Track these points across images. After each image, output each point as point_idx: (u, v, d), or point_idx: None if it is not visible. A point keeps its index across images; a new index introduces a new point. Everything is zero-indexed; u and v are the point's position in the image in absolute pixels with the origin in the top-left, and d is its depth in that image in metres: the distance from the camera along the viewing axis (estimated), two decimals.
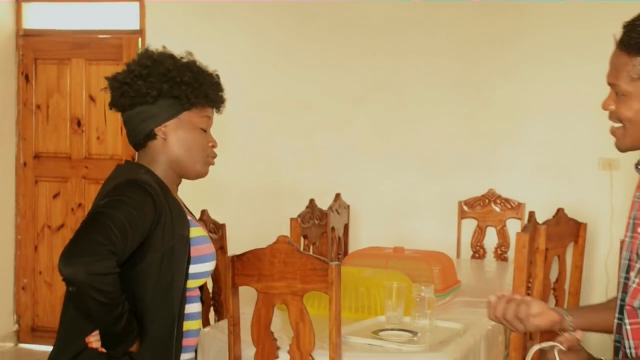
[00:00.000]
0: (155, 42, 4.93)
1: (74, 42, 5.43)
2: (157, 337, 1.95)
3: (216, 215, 3.43)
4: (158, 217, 1.93)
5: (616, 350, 1.81)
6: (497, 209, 4.74)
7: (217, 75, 2.20)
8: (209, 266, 2.12)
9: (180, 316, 1.99)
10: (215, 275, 3.23)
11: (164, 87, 2.05)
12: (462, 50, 4.84)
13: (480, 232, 4.74)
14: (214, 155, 2.20)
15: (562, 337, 1.76)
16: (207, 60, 5.39)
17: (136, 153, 2.18)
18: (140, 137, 2.09)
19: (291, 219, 3.73)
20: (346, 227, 4.52)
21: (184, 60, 2.16)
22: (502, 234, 4.67)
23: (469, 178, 4.82)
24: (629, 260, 1.78)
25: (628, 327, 1.75)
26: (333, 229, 4.22)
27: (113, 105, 2.13)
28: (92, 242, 1.80)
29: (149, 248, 1.93)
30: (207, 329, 2.91)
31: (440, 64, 4.86)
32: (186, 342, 2.08)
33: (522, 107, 4.74)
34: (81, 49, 5.40)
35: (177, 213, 2.01)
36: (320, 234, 4.03)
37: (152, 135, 2.08)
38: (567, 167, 4.67)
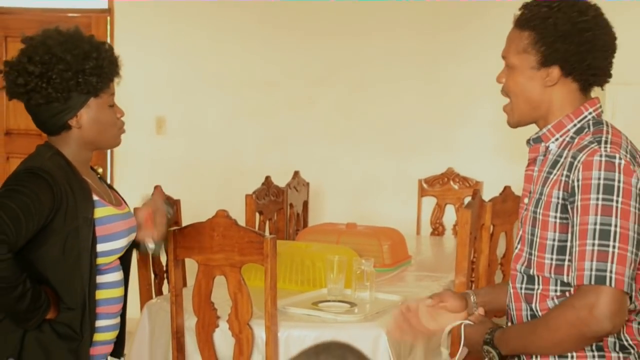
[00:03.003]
0: (123, 21, 4.91)
1: (43, 21, 5.44)
2: (71, 308, 2.05)
3: (177, 193, 3.49)
4: (58, 203, 2.01)
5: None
6: (456, 187, 4.84)
7: (110, 47, 2.20)
8: (121, 243, 2.18)
9: (92, 288, 2.08)
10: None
11: (71, 84, 2.08)
12: (422, 31, 4.92)
13: (439, 210, 4.85)
14: (123, 124, 2.24)
15: (471, 316, 1.88)
16: (172, 39, 5.40)
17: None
18: (53, 129, 2.14)
19: (246, 195, 3.82)
20: (305, 204, 4.61)
21: (89, 45, 2.12)
22: None
23: (428, 157, 4.93)
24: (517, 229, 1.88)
25: (511, 290, 1.83)
26: (291, 205, 4.31)
27: (10, 97, 2.13)
28: None
29: (51, 232, 2.02)
30: (154, 299, 3.02)
31: (401, 45, 4.95)
32: (107, 309, 2.18)
33: (479, 87, 4.81)
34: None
35: (82, 196, 2.07)
36: (277, 210, 4.13)
37: (66, 127, 2.13)
38: (522, 146, 4.75)
